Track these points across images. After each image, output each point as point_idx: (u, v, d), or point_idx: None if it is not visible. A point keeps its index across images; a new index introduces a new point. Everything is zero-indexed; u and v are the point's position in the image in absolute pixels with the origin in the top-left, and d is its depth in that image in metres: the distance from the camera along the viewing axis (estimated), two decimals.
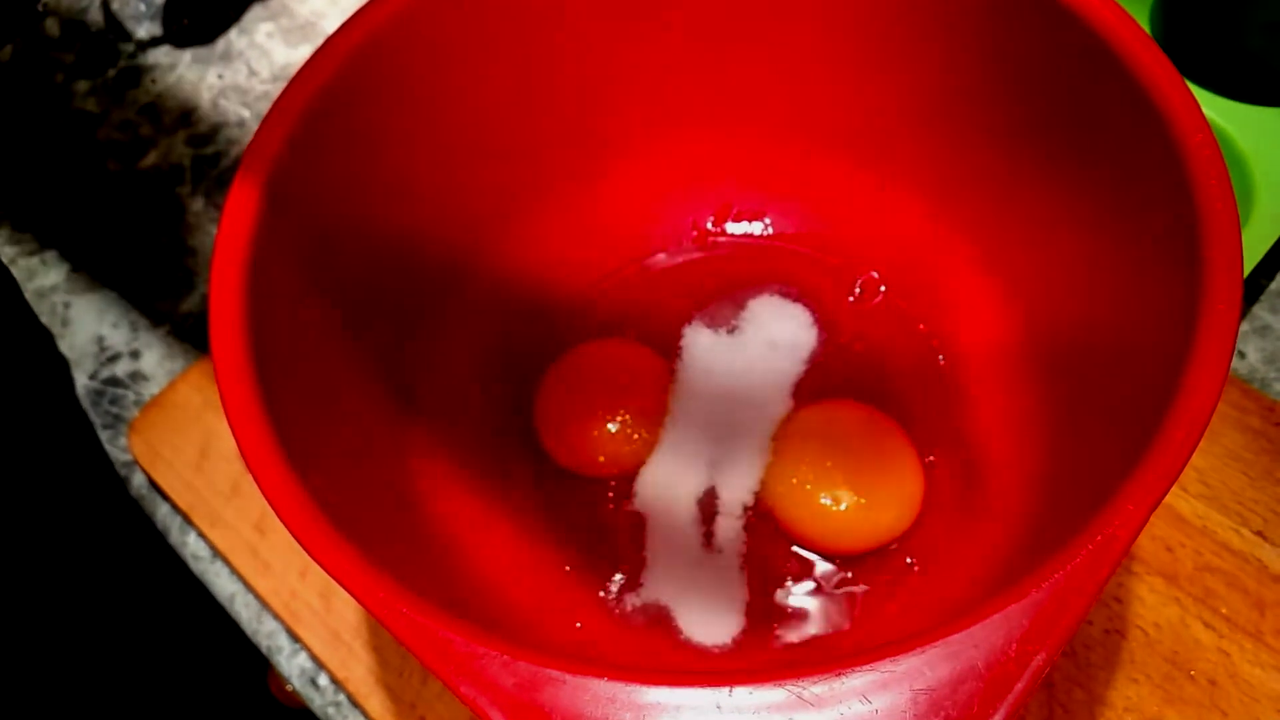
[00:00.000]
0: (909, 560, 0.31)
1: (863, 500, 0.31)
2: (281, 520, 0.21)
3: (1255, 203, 0.35)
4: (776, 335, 0.35)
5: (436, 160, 0.31)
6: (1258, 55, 0.40)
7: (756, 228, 0.37)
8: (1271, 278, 0.37)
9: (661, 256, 0.37)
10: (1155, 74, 0.24)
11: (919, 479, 0.32)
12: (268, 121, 0.26)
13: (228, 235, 0.25)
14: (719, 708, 0.18)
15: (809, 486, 0.31)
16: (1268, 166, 0.35)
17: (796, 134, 0.35)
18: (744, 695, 0.18)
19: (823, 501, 0.31)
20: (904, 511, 0.31)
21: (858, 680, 0.18)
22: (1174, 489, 0.33)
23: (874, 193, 0.35)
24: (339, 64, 0.27)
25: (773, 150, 0.35)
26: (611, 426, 0.33)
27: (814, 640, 0.30)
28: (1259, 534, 0.32)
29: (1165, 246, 0.24)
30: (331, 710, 0.34)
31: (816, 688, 0.18)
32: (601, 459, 0.34)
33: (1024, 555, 0.26)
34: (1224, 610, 0.31)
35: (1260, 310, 0.37)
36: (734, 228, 0.37)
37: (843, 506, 0.31)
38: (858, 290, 0.36)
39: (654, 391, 0.34)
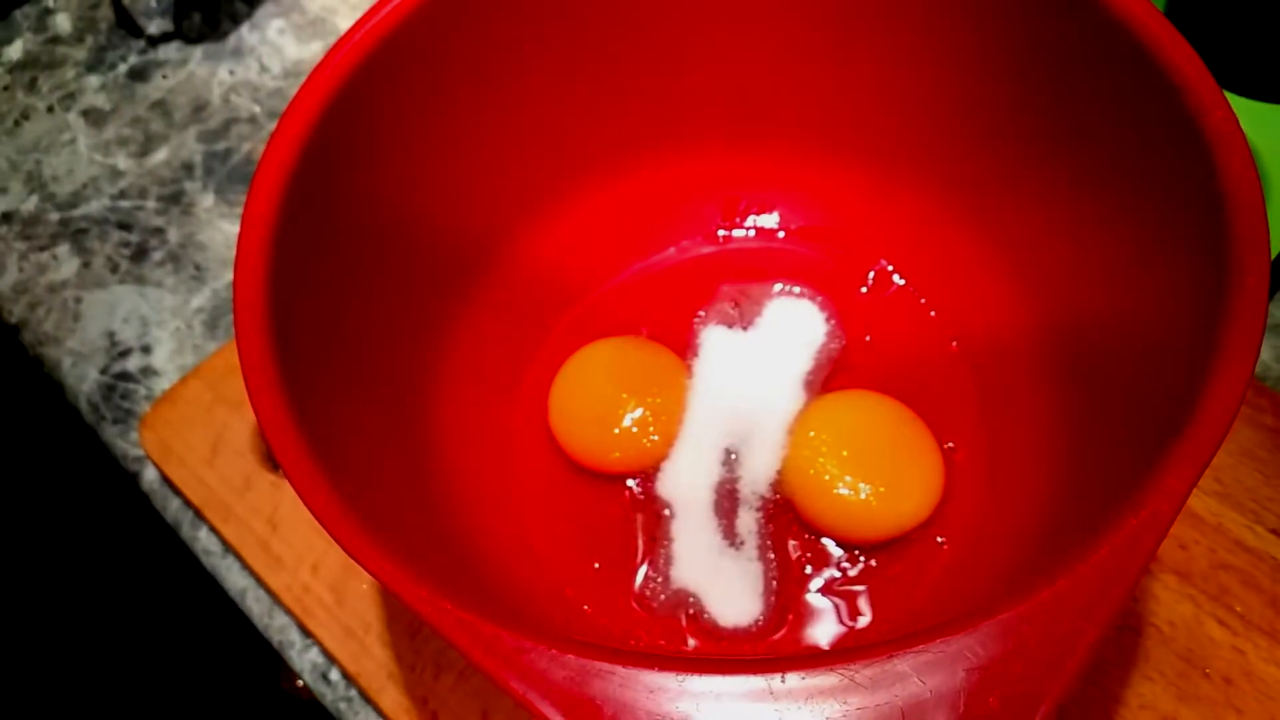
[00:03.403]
0: (940, 539, 0.31)
1: (882, 488, 0.31)
2: (326, 529, 0.21)
3: (1270, 201, 0.35)
4: (790, 328, 0.35)
5: (452, 160, 0.31)
6: (1272, 53, 0.40)
7: (768, 222, 0.37)
8: None
9: (673, 252, 0.37)
10: (1178, 60, 0.24)
11: (939, 465, 0.32)
12: (284, 121, 0.26)
13: (250, 231, 0.25)
14: (771, 693, 0.18)
15: (827, 477, 0.31)
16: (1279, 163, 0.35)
17: (807, 130, 0.35)
18: (796, 680, 0.18)
19: (841, 491, 0.31)
20: (925, 499, 0.31)
21: (910, 662, 0.18)
22: None
23: (885, 185, 0.35)
24: (355, 61, 0.27)
25: (783, 146, 0.35)
26: (629, 427, 0.33)
27: (844, 628, 0.30)
28: (1274, 531, 0.32)
29: (1189, 231, 0.24)
30: (343, 705, 0.34)
31: (868, 670, 0.18)
32: (619, 460, 0.34)
33: (1055, 536, 0.25)
34: (1239, 608, 0.31)
35: (1273, 308, 0.37)
36: (746, 223, 0.37)
37: (862, 495, 0.31)
38: (870, 281, 0.36)
39: (670, 389, 0.34)
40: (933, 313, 0.35)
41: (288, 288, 0.25)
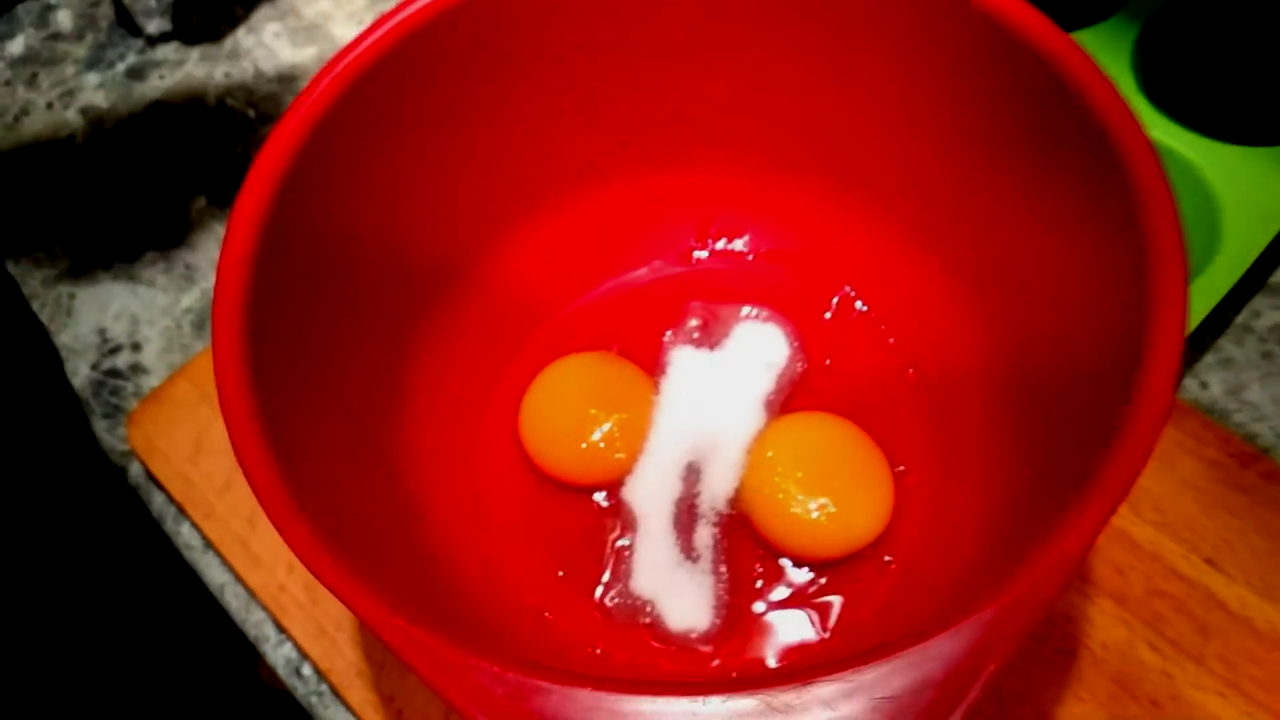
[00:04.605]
0: (887, 559, 0.33)
1: (833, 508, 0.32)
2: (279, 531, 0.23)
3: (1223, 237, 0.36)
4: (755, 350, 0.36)
5: (429, 181, 0.33)
6: (1232, 95, 0.41)
7: (738, 245, 0.38)
8: (1237, 311, 0.38)
9: (645, 271, 0.38)
10: (1102, 99, 0.25)
11: (889, 487, 0.33)
12: (273, 138, 0.27)
13: (233, 244, 0.26)
14: (695, 715, 0.19)
15: (781, 495, 0.33)
16: (1236, 202, 0.36)
17: (778, 156, 0.36)
18: (718, 704, 0.19)
19: (794, 510, 0.32)
20: (875, 519, 0.33)
21: (825, 690, 0.19)
22: (1128, 514, 0.34)
23: (852, 213, 0.36)
24: (345, 81, 0.29)
25: (755, 171, 0.37)
26: (596, 441, 0.35)
27: (790, 644, 0.32)
28: (1208, 561, 0.33)
29: (1116, 264, 0.25)
30: (315, 699, 0.36)
31: (785, 696, 0.19)
32: (586, 472, 0.35)
33: (992, 561, 0.27)
34: (1170, 634, 0.32)
35: (1225, 343, 0.38)
36: (717, 245, 0.38)
37: (814, 514, 0.32)
38: (834, 306, 0.37)
39: (637, 405, 0.36)
40: (891, 339, 0.36)
41: (263, 304, 0.26)
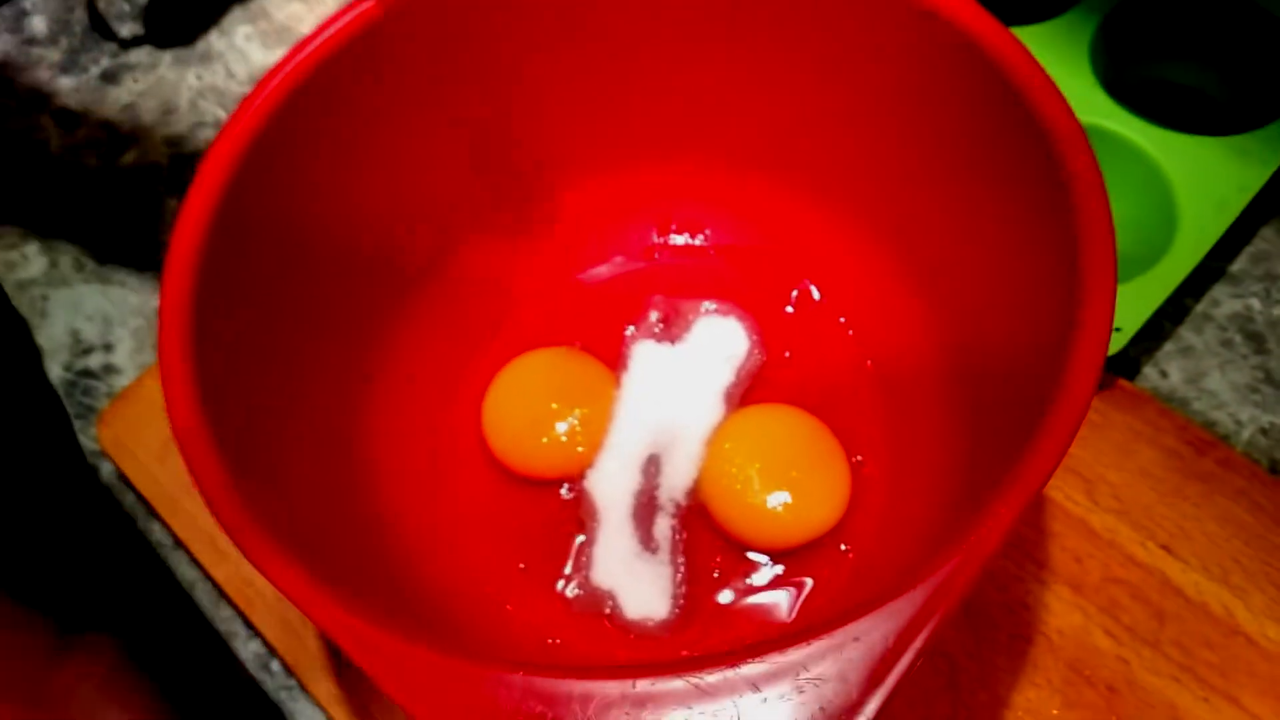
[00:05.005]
0: (843, 547, 0.33)
1: (789, 499, 0.32)
2: (208, 506, 0.23)
3: (1179, 226, 0.37)
4: (715, 344, 0.37)
5: (387, 178, 0.33)
6: (1187, 86, 0.41)
7: (697, 240, 0.39)
8: (1197, 299, 0.39)
9: (605, 269, 0.38)
10: (1035, 88, 0.25)
11: (845, 477, 0.33)
12: (224, 132, 0.28)
13: (179, 244, 0.27)
14: (624, 697, 0.20)
15: (738, 486, 0.33)
16: (1191, 191, 0.37)
17: (737, 150, 0.37)
18: (647, 685, 0.20)
19: (751, 500, 0.33)
20: (830, 509, 0.33)
21: (750, 670, 0.20)
22: (1086, 503, 0.34)
23: (808, 208, 0.37)
24: (298, 75, 0.29)
25: (711, 168, 0.37)
26: (557, 435, 0.35)
27: (749, 628, 0.32)
28: (1164, 548, 0.33)
29: (1051, 252, 0.25)
30: (284, 694, 0.36)
31: (711, 678, 0.20)
32: (548, 466, 0.35)
33: (936, 552, 0.27)
34: (1125, 620, 0.32)
35: (1184, 331, 0.38)
36: (675, 240, 0.39)
37: (769, 504, 0.32)
38: (794, 299, 0.37)
39: (598, 400, 0.36)
40: (850, 332, 0.36)
41: (215, 295, 0.27)
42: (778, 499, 0.32)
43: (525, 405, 0.36)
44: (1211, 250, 0.36)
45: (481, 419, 0.36)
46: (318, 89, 0.29)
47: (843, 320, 0.37)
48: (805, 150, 0.35)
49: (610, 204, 0.38)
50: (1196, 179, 0.37)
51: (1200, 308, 0.38)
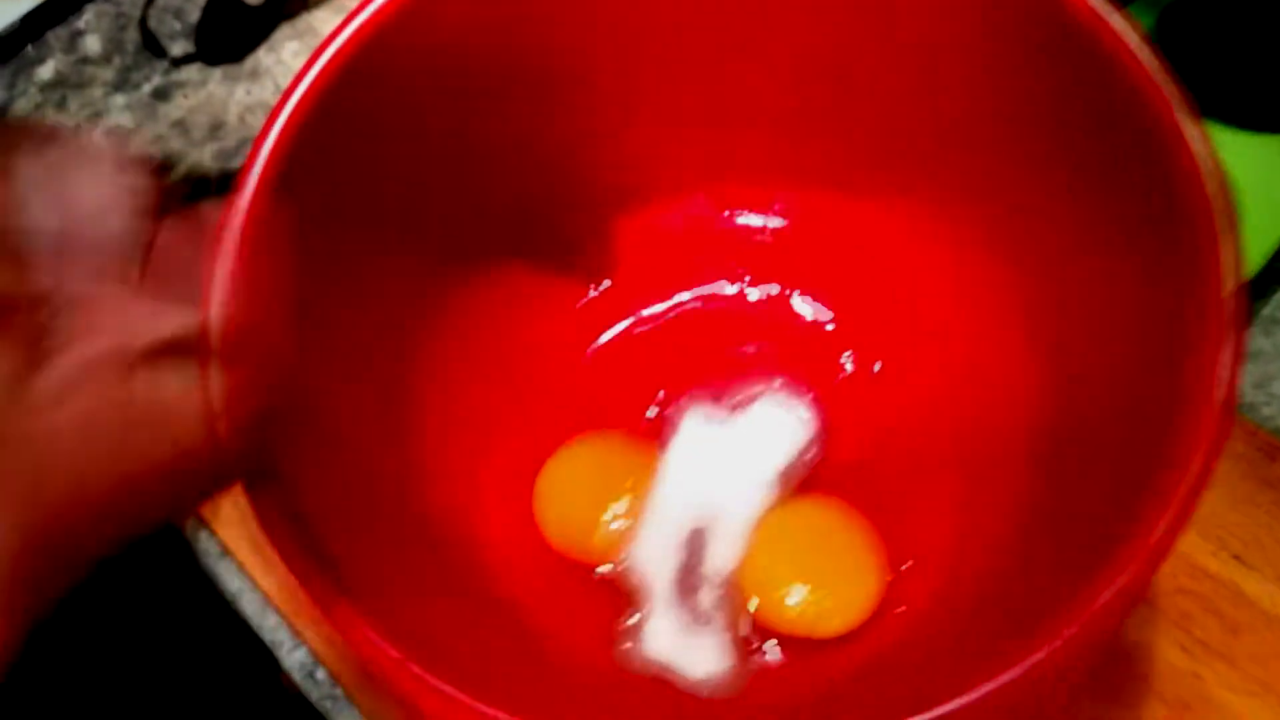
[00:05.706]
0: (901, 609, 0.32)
1: (816, 601, 0.32)
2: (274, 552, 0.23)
3: (1245, 227, 0.35)
4: (773, 423, 0.36)
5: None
6: (1251, 83, 0.40)
7: (771, 291, 0.38)
8: (1264, 303, 0.37)
9: (671, 310, 0.38)
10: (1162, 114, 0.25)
11: (875, 582, 0.32)
12: (258, 146, 0.28)
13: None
14: None
15: (771, 585, 0.33)
16: (1255, 190, 0.35)
17: (812, 206, 0.37)
18: None
19: (785, 600, 0.32)
20: (854, 613, 0.32)
21: None
22: None
23: (893, 276, 0.36)
24: (344, 68, 0.30)
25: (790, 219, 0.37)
26: (609, 525, 0.35)
27: (794, 697, 0.31)
28: (1237, 558, 0.32)
29: (1167, 285, 0.25)
30: (329, 703, 0.36)
31: None
32: (599, 554, 0.35)
33: (1015, 618, 0.25)
34: (1198, 633, 0.31)
35: (1252, 335, 0.37)
36: (751, 293, 0.38)
37: (794, 604, 0.32)
38: (850, 368, 0.36)
39: (647, 482, 0.35)
40: (921, 414, 0.35)
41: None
42: (803, 601, 0.32)
43: (578, 501, 0.36)
44: (1277, 251, 0.35)
45: (534, 507, 0.36)
46: (382, 59, 0.30)
47: (915, 407, 0.35)
48: (892, 216, 0.35)
49: (689, 242, 0.38)
50: (1261, 179, 0.36)
51: (1267, 311, 0.37)
